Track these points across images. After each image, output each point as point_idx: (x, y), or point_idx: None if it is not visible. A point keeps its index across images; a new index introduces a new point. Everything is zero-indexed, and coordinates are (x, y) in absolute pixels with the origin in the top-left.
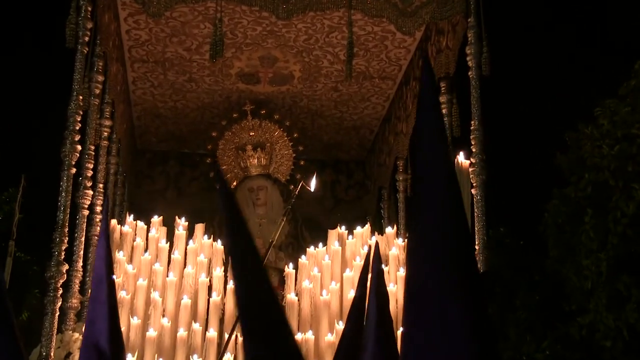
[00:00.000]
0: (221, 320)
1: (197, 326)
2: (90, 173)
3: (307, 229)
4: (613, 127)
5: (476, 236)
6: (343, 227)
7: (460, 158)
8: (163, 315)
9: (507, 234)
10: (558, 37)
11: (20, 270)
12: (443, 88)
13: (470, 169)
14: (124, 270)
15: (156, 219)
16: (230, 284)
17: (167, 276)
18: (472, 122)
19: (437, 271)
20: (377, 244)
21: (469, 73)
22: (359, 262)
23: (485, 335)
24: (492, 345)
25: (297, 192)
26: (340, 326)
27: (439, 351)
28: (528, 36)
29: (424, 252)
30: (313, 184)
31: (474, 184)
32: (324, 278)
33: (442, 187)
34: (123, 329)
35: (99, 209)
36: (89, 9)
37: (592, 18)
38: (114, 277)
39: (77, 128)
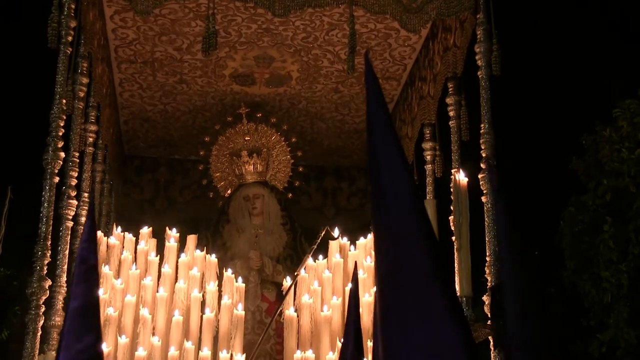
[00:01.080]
0: (215, 338)
1: (189, 345)
2: (74, 182)
3: (307, 240)
4: (633, 129)
5: (487, 247)
6: (345, 238)
7: (459, 176)
8: (153, 334)
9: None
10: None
11: None
12: (451, 89)
13: (481, 175)
14: (111, 285)
15: (145, 230)
16: (225, 299)
17: (157, 291)
18: (482, 125)
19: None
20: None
21: (478, 73)
22: (363, 275)
23: (463, 318)
24: (469, 329)
25: (320, 238)
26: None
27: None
28: (541, 33)
29: (390, 250)
30: (337, 232)
31: (484, 191)
32: (324, 292)
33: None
34: (110, 348)
35: (84, 219)
36: (72, 6)
37: (610, 13)
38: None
39: (60, 134)
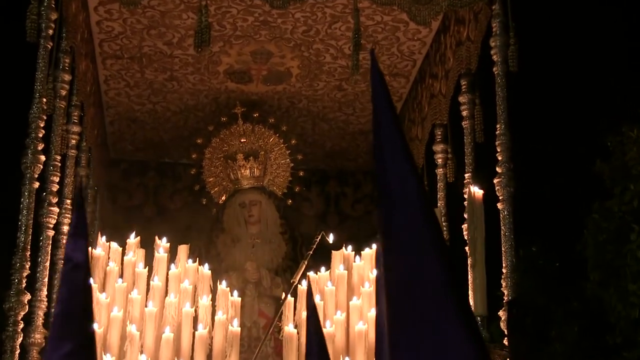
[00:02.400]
0: (208, 357)
1: None
2: (55, 187)
3: (308, 250)
4: None
5: (504, 257)
6: (349, 248)
7: (474, 188)
8: (141, 352)
9: (540, 254)
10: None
11: None
12: (464, 86)
13: (497, 180)
14: (96, 299)
15: (133, 240)
16: (219, 315)
17: (146, 306)
18: (498, 126)
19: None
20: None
21: (494, 69)
22: (368, 289)
23: (477, 333)
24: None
25: (317, 242)
26: None
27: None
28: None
29: (398, 268)
30: (331, 238)
31: (500, 197)
32: (327, 307)
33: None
34: None
35: (66, 228)
36: None
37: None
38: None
39: (41, 135)
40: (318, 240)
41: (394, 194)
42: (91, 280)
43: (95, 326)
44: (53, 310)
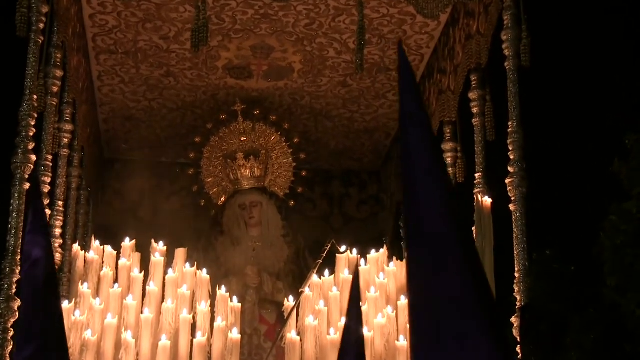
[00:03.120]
0: None
1: None
2: (47, 188)
3: (311, 253)
4: None
5: (516, 261)
6: (354, 251)
7: (483, 197)
8: None
9: (555, 258)
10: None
11: None
12: (474, 82)
13: (509, 180)
14: (89, 305)
15: (128, 243)
16: (219, 321)
17: (142, 312)
18: (510, 123)
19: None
20: (357, 271)
21: (505, 64)
22: (374, 294)
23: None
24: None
25: (327, 249)
26: None
27: None
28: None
29: (425, 274)
30: (343, 247)
31: (512, 198)
32: (331, 313)
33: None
34: None
35: (58, 231)
36: None
37: None
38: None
39: (31, 134)
40: (328, 249)
41: (420, 198)
42: (55, 276)
43: (89, 333)
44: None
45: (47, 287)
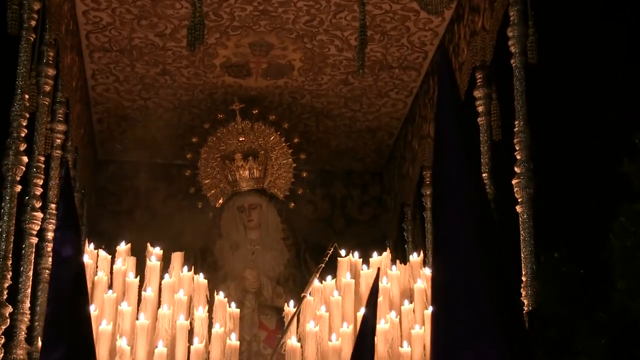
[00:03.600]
0: None
1: None
2: (39, 191)
3: (312, 257)
4: None
5: (523, 264)
6: (356, 255)
7: None
8: None
9: (563, 260)
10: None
11: None
12: (479, 80)
13: (515, 180)
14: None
15: (123, 247)
16: (216, 327)
17: (137, 319)
18: (516, 123)
19: (470, 306)
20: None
21: (512, 61)
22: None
23: None
24: None
25: (330, 252)
26: None
27: None
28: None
29: (452, 283)
30: (343, 251)
31: (519, 200)
32: (333, 319)
33: (467, 205)
34: None
35: (50, 235)
36: None
37: None
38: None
39: (23, 135)
40: (331, 251)
41: (450, 207)
42: (84, 275)
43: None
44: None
45: (76, 287)
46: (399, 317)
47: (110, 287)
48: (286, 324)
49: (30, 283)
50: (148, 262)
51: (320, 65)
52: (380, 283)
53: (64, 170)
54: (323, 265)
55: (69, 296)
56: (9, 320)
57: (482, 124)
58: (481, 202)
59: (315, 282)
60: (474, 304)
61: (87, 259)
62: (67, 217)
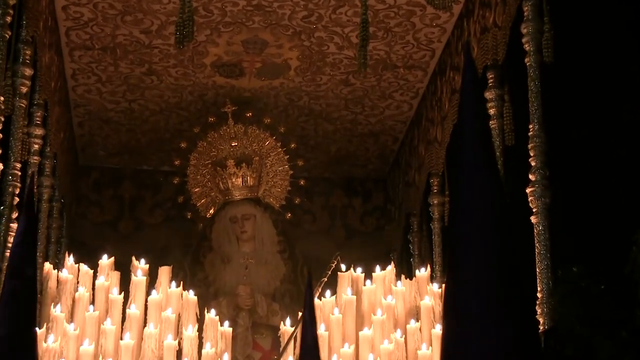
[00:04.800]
0: None
1: None
2: (15, 200)
3: (311, 271)
4: None
5: (538, 279)
6: (358, 269)
7: None
8: None
9: (582, 275)
10: None
11: None
12: (490, 80)
13: (530, 189)
14: (63, 331)
15: (106, 261)
16: (207, 348)
17: (122, 338)
18: (531, 126)
19: (483, 326)
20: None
21: (526, 60)
22: (380, 317)
23: None
24: None
25: (333, 266)
26: None
27: None
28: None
29: (465, 301)
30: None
31: (534, 210)
32: (332, 338)
33: (486, 217)
34: None
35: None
36: None
37: None
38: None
39: None
40: (334, 266)
41: (468, 219)
42: (35, 302)
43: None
44: None
45: (32, 312)
46: (404, 336)
47: (92, 304)
48: (283, 344)
49: None
50: (133, 277)
51: (319, 64)
52: (383, 300)
53: (29, 178)
54: (326, 280)
55: (31, 325)
56: None
57: (494, 128)
58: (502, 216)
59: (315, 299)
60: (486, 323)
61: (66, 273)
62: (28, 232)
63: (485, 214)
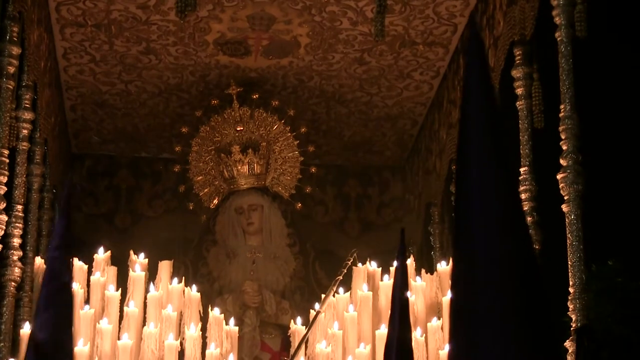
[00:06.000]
0: None
1: None
2: (3, 190)
3: (322, 266)
4: None
5: (570, 274)
6: (374, 263)
7: None
8: None
9: (618, 270)
10: None
11: None
12: (518, 57)
13: (561, 175)
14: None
15: (101, 256)
16: (212, 349)
17: (119, 338)
18: (562, 107)
19: (492, 307)
20: (402, 268)
21: (556, 34)
22: None
23: None
24: None
25: (349, 263)
26: None
27: None
28: None
29: (473, 283)
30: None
31: (565, 197)
32: (347, 338)
33: (492, 212)
34: None
35: (17, 241)
36: None
37: None
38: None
39: None
40: (351, 261)
41: (475, 208)
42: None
43: None
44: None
45: (69, 320)
46: (424, 335)
47: (87, 301)
48: (293, 344)
49: None
50: (131, 273)
51: (331, 41)
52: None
53: (69, 179)
54: (341, 278)
55: (69, 330)
56: None
57: (522, 109)
58: (513, 209)
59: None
60: (494, 324)
61: None
62: (66, 236)
63: (490, 208)
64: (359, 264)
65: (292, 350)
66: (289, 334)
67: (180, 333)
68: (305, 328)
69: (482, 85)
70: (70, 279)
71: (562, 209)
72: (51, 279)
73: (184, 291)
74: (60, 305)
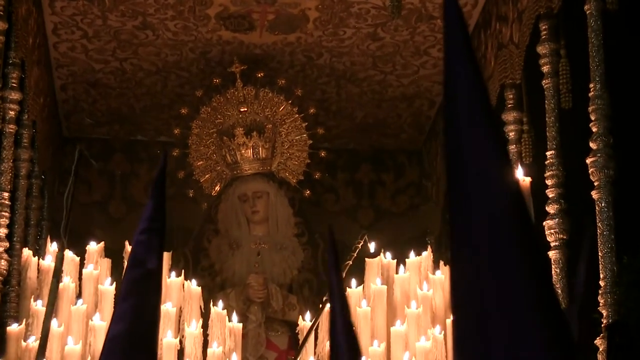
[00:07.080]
0: None
1: None
2: None
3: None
4: None
5: (601, 265)
6: (389, 255)
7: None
8: None
9: None
10: None
11: None
12: (544, 32)
13: (591, 159)
14: (46, 326)
15: (94, 247)
16: (214, 347)
17: None
18: (592, 86)
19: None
20: (331, 235)
21: (585, 7)
22: (416, 310)
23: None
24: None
25: (359, 247)
26: None
27: None
28: None
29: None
30: (373, 246)
31: (596, 183)
32: (360, 334)
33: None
34: None
35: (2, 232)
36: None
37: None
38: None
39: None
40: (360, 246)
41: (470, 186)
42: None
43: None
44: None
45: (157, 309)
46: (443, 332)
47: (79, 296)
48: (301, 341)
49: None
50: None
51: (342, 15)
52: (419, 290)
53: (162, 158)
54: (351, 263)
55: (152, 320)
56: None
57: (548, 88)
58: (509, 175)
59: None
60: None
61: (48, 261)
62: (155, 219)
63: (485, 201)
64: (372, 247)
65: (299, 346)
66: (297, 331)
67: (179, 330)
68: (315, 326)
69: (468, 60)
70: (158, 267)
71: (591, 195)
72: (134, 265)
73: (183, 285)
74: (143, 294)
